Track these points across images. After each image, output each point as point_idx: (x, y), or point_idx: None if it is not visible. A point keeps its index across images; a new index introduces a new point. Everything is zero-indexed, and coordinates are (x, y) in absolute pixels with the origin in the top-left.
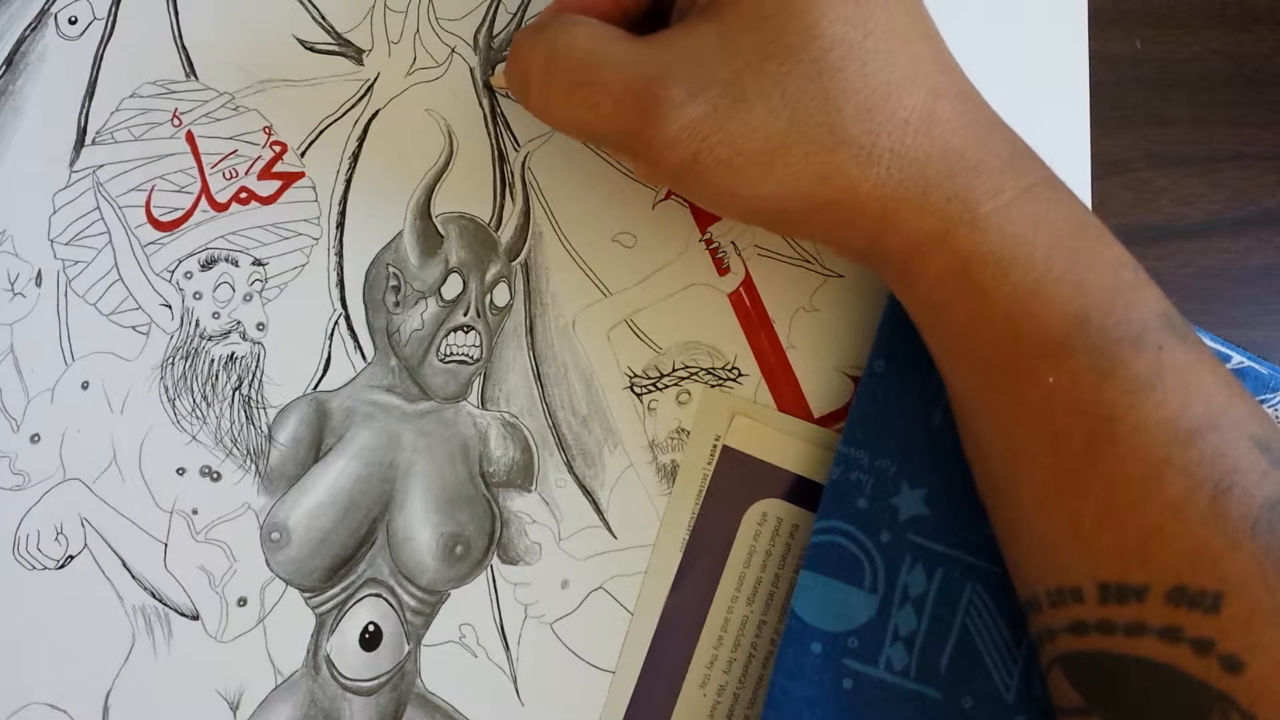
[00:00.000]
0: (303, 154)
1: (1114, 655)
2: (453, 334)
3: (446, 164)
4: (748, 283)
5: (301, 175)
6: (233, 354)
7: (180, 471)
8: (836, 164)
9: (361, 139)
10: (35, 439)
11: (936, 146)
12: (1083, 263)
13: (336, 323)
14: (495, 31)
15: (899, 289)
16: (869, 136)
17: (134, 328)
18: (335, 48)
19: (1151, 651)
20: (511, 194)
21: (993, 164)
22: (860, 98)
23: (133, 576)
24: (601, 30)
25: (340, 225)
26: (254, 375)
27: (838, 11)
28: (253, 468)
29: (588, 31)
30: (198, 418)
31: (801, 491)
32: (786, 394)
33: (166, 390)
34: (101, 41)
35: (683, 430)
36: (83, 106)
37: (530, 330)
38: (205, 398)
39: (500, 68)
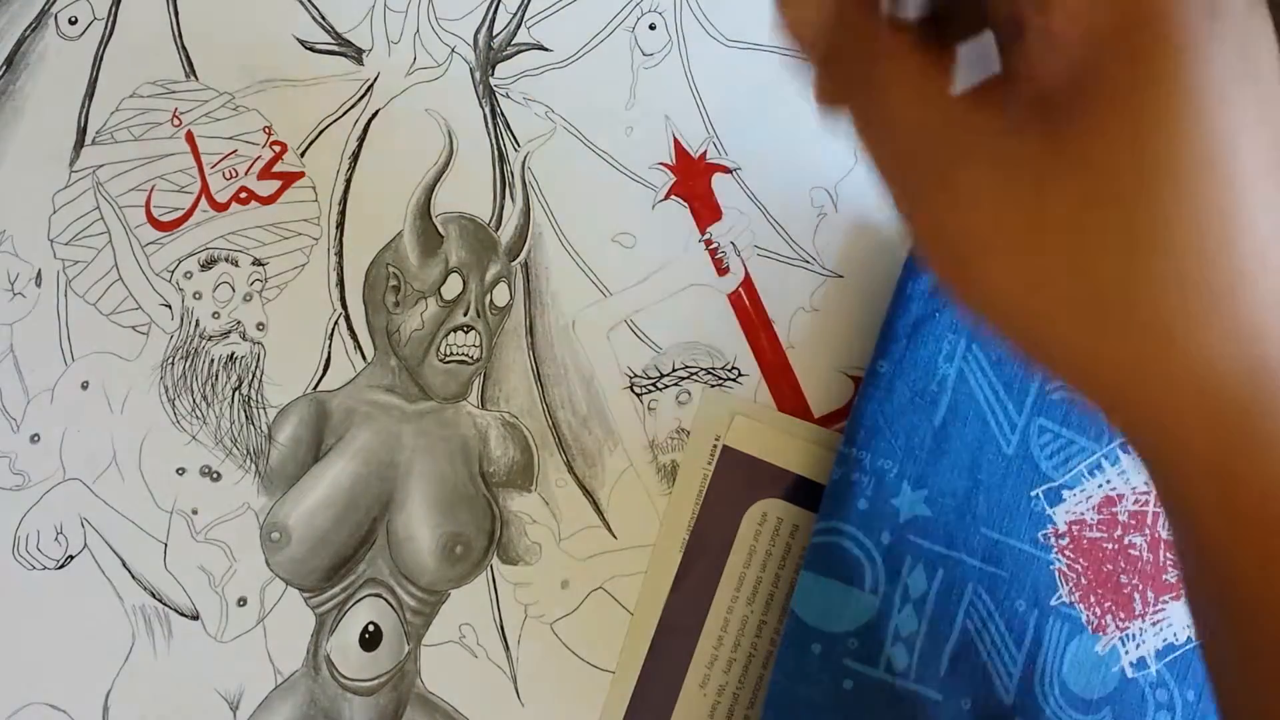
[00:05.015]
0: (303, 154)
1: None
2: (453, 334)
3: (446, 164)
4: (747, 283)
5: (301, 175)
6: (233, 354)
7: (180, 471)
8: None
9: (361, 139)
10: (35, 439)
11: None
12: None
13: (336, 323)
14: (495, 31)
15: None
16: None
17: (134, 328)
18: (335, 48)
19: None
20: (511, 194)
21: None
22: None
23: (133, 576)
24: None
25: (340, 225)
26: (254, 375)
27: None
28: (253, 468)
29: None
30: (198, 418)
31: (801, 492)
32: (786, 394)
33: (166, 390)
34: (101, 41)
35: (683, 430)
36: (83, 106)
37: (530, 330)
38: (205, 398)
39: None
